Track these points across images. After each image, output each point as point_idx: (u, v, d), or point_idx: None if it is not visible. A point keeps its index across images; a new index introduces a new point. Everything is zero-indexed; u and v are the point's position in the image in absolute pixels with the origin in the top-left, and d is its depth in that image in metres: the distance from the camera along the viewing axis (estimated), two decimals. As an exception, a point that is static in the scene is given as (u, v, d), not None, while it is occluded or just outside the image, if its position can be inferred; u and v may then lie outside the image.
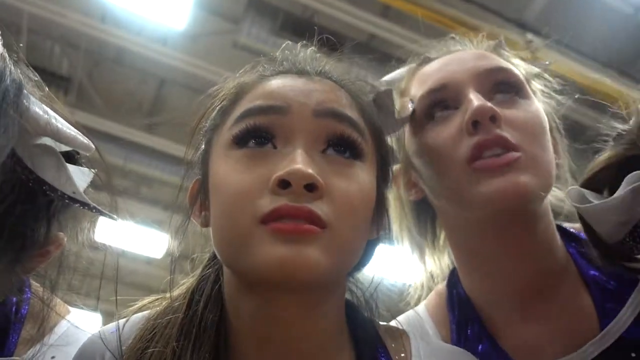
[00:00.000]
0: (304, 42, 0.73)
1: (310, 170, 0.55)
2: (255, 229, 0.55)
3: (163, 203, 5.40)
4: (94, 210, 0.63)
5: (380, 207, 0.67)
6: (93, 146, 0.64)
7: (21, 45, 0.62)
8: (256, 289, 0.59)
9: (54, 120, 0.60)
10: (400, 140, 0.82)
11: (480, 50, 0.85)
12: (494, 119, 0.72)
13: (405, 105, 0.82)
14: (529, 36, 3.50)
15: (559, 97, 0.87)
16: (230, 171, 0.59)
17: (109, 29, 4.00)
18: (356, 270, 0.71)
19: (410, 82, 0.85)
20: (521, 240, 0.76)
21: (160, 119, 4.90)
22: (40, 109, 0.59)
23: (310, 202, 0.55)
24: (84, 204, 0.62)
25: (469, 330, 0.80)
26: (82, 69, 4.54)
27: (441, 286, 0.89)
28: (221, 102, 0.68)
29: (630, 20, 3.82)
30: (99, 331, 0.68)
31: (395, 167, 0.84)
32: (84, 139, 0.63)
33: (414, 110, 0.80)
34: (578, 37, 3.73)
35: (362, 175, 0.61)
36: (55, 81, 4.53)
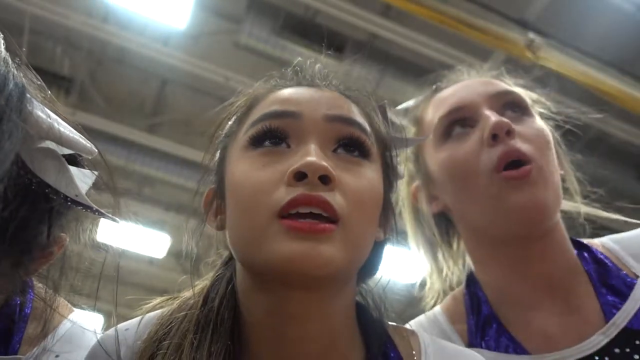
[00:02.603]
0: (310, 50, 0.75)
1: (324, 163, 0.59)
2: (271, 224, 0.58)
3: (165, 203, 5.41)
4: (97, 213, 0.64)
5: (386, 210, 0.70)
6: (95, 150, 0.65)
7: (23, 48, 0.62)
8: (271, 286, 0.61)
9: (56, 124, 0.60)
10: (418, 157, 0.94)
11: (486, 78, 0.96)
12: (509, 132, 0.83)
13: (419, 131, 0.94)
14: (531, 35, 3.50)
15: (557, 118, 0.98)
16: (247, 169, 0.62)
17: (110, 29, 4.01)
18: (368, 276, 0.73)
19: (426, 109, 0.96)
20: (540, 249, 0.85)
21: (163, 119, 4.91)
22: (43, 112, 0.59)
23: (324, 192, 0.58)
24: (86, 207, 0.62)
25: (486, 326, 0.88)
26: (84, 69, 4.54)
27: (457, 291, 0.96)
28: (236, 112, 0.72)
29: (632, 19, 3.81)
30: (115, 329, 0.69)
31: (415, 184, 0.97)
32: (87, 143, 0.63)
33: (434, 130, 0.90)
34: (579, 36, 3.73)
35: (371, 173, 0.64)
36: (57, 81, 4.53)
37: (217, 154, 0.72)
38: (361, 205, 0.61)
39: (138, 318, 0.69)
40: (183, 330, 0.64)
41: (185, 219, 0.76)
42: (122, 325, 0.69)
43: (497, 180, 0.82)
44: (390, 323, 0.73)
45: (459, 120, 0.88)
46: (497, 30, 3.43)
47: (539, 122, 0.90)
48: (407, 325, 0.85)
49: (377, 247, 0.70)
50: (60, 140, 0.60)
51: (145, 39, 4.07)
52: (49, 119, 0.59)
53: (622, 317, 0.80)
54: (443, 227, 0.99)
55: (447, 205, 0.93)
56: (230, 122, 0.72)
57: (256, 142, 0.64)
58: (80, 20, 3.90)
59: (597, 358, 0.79)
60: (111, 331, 0.69)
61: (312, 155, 0.59)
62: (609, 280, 0.85)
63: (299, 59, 0.76)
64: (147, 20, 3.87)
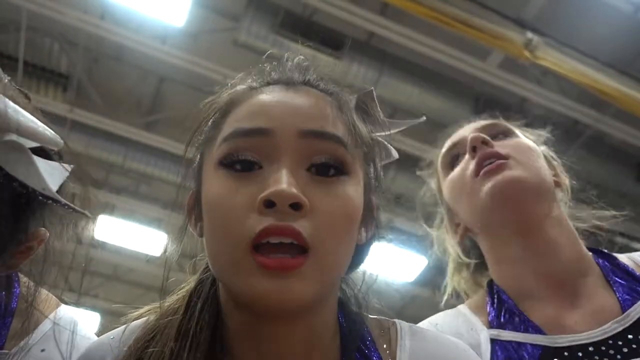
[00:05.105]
0: (308, 48, 0.73)
1: (294, 190, 0.58)
2: (245, 259, 0.58)
3: (162, 201, 5.41)
4: (66, 207, 0.63)
5: (368, 213, 0.69)
6: (61, 141, 0.64)
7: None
8: (245, 307, 0.62)
9: (12, 113, 0.59)
10: (441, 200, 1.11)
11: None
12: (485, 141, 1.00)
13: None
14: (529, 34, 3.50)
15: (543, 135, 1.14)
16: (218, 191, 0.62)
17: (108, 26, 4.00)
18: (350, 271, 0.73)
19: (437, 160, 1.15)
20: (542, 246, 0.98)
21: (160, 116, 4.90)
22: (1, 102, 0.58)
23: (295, 220, 0.58)
24: (55, 200, 0.62)
25: (507, 314, 0.98)
26: (81, 67, 4.53)
27: (479, 294, 1.08)
28: (214, 114, 0.70)
29: (630, 19, 3.82)
30: (102, 338, 0.70)
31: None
32: (51, 134, 0.62)
33: (440, 165, 1.11)
34: (577, 36, 3.73)
35: (347, 190, 0.63)
36: (54, 78, 4.52)
37: (197, 159, 0.72)
38: (335, 229, 0.60)
39: (123, 326, 0.70)
40: (165, 338, 0.64)
41: (180, 218, 0.75)
42: (108, 334, 0.70)
43: (478, 180, 0.98)
44: (371, 316, 0.73)
45: (456, 154, 1.07)
46: (494, 29, 3.43)
47: (524, 140, 1.04)
48: (429, 320, 0.98)
49: (360, 248, 0.70)
50: (19, 130, 0.59)
51: (142, 36, 4.06)
52: (6, 109, 0.58)
53: (637, 310, 0.89)
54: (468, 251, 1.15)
55: (463, 225, 1.07)
56: (207, 126, 0.70)
57: (226, 165, 0.62)
58: (77, 17, 3.88)
59: (610, 342, 0.87)
60: (101, 338, 0.71)
61: (283, 182, 0.58)
62: (625, 279, 0.95)
63: (285, 53, 0.74)
64: (144, 17, 3.86)
